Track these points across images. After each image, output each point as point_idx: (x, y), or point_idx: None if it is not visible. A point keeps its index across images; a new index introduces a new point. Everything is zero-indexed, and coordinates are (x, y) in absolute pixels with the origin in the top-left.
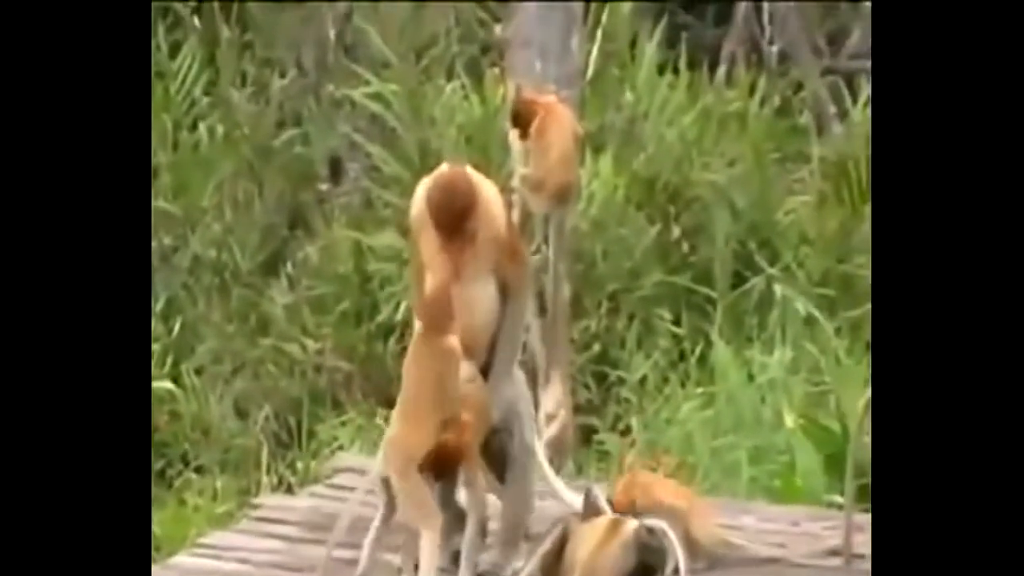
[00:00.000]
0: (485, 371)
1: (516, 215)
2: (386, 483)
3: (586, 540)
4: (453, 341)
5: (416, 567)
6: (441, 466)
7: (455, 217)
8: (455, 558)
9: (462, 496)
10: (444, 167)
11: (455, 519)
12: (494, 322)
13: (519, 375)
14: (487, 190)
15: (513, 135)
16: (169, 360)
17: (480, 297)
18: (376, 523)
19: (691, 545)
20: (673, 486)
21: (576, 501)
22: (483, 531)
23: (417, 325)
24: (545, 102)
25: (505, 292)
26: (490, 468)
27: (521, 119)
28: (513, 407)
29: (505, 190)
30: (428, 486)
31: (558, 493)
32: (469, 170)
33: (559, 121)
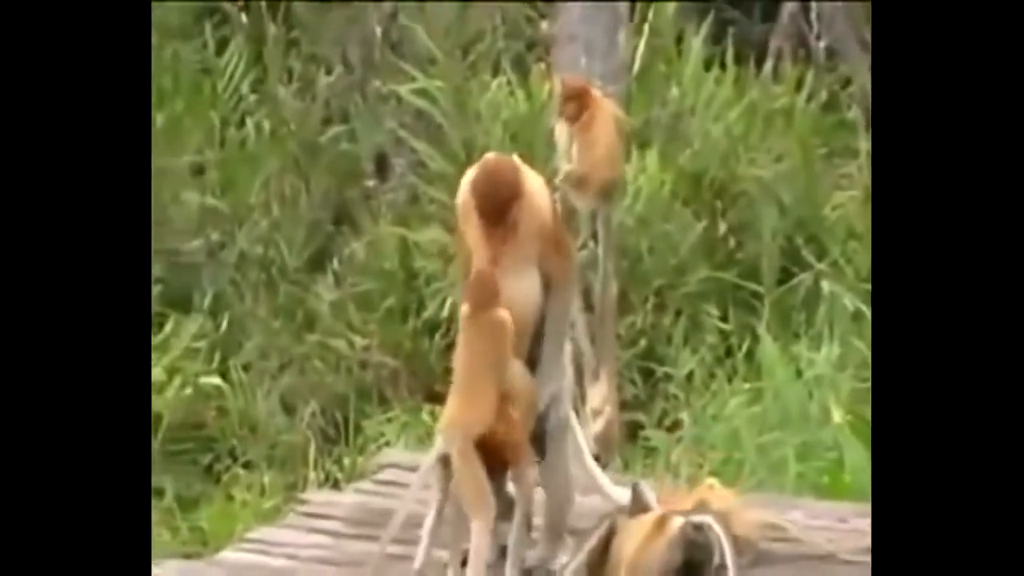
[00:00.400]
0: (531, 364)
1: (560, 210)
2: (444, 463)
3: (632, 536)
4: (502, 314)
5: (464, 562)
6: (488, 457)
7: (499, 204)
8: (502, 552)
9: (511, 488)
10: (489, 156)
11: (503, 512)
12: (538, 315)
13: (565, 366)
14: (532, 181)
15: (559, 129)
16: (217, 356)
17: (524, 289)
18: (431, 513)
19: (735, 542)
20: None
21: (620, 496)
22: (529, 526)
23: (464, 308)
24: (593, 95)
25: (549, 285)
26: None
27: (571, 107)
28: (556, 395)
29: (550, 185)
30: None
31: (602, 488)
32: (515, 159)
33: (605, 116)
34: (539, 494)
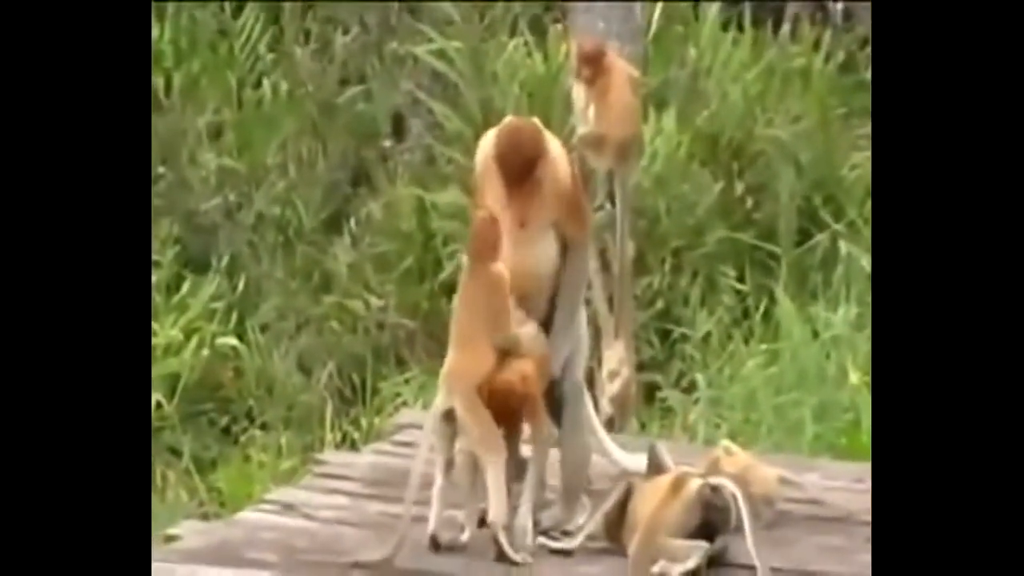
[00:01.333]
0: (546, 325)
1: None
2: (448, 416)
3: (649, 498)
4: (500, 268)
5: (480, 521)
6: (503, 409)
7: (522, 166)
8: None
9: (524, 451)
10: (510, 119)
11: (517, 475)
12: (555, 276)
13: (581, 326)
14: (552, 143)
15: (576, 91)
16: (234, 317)
17: (542, 252)
18: (438, 472)
19: (753, 501)
20: (772, 487)
21: (627, 461)
22: (543, 484)
23: (464, 260)
24: (609, 57)
25: (565, 247)
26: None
27: (587, 70)
28: (571, 359)
29: (567, 146)
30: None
31: (610, 453)
32: (536, 122)
33: (621, 78)
34: (554, 456)
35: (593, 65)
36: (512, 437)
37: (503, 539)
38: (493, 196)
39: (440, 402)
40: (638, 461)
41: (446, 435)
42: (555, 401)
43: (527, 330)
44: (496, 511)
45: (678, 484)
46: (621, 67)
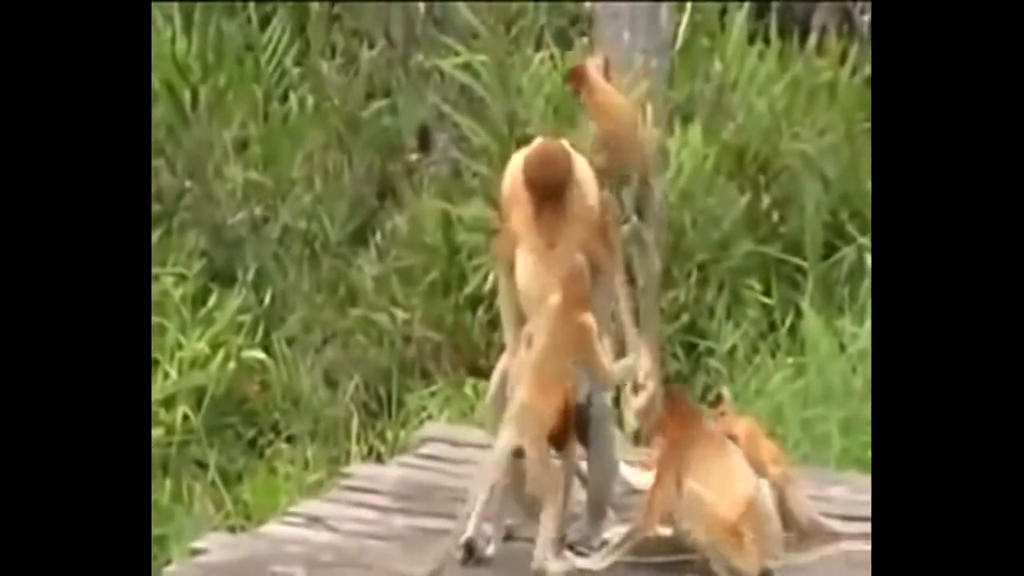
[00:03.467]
0: None
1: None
2: (518, 454)
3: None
4: (589, 318)
5: (507, 535)
6: (558, 438)
7: (552, 187)
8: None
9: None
10: (540, 140)
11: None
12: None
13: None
14: (581, 165)
15: None
16: (260, 330)
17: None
18: (485, 492)
19: (785, 515)
20: (776, 451)
21: (638, 481)
22: (565, 504)
23: (553, 300)
24: (590, 78)
25: (594, 271)
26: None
27: (572, 86)
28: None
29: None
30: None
31: (620, 474)
32: (565, 144)
33: (599, 100)
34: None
35: (574, 84)
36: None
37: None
38: (519, 217)
39: (509, 440)
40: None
41: (515, 466)
42: (580, 423)
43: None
44: (540, 552)
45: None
46: (601, 89)
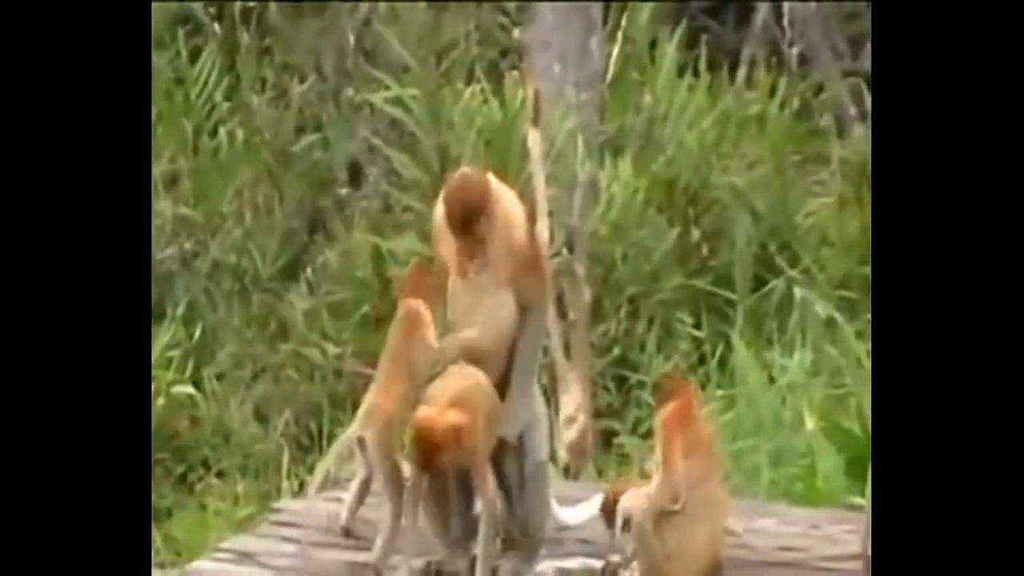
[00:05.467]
0: (502, 386)
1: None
2: (361, 444)
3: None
4: (411, 304)
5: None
6: (421, 449)
7: (465, 216)
8: (472, 565)
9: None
10: (462, 169)
11: (473, 526)
12: (510, 336)
13: (536, 393)
14: (505, 199)
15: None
16: (190, 365)
17: (496, 309)
18: (356, 480)
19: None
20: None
21: (569, 518)
22: (494, 539)
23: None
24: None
25: (523, 307)
26: (501, 485)
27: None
28: (529, 426)
29: (524, 196)
30: (418, 479)
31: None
32: (489, 176)
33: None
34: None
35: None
36: (437, 482)
37: None
38: (447, 248)
39: (352, 430)
40: (580, 514)
41: (363, 455)
42: (509, 469)
43: (474, 380)
44: (377, 554)
45: None
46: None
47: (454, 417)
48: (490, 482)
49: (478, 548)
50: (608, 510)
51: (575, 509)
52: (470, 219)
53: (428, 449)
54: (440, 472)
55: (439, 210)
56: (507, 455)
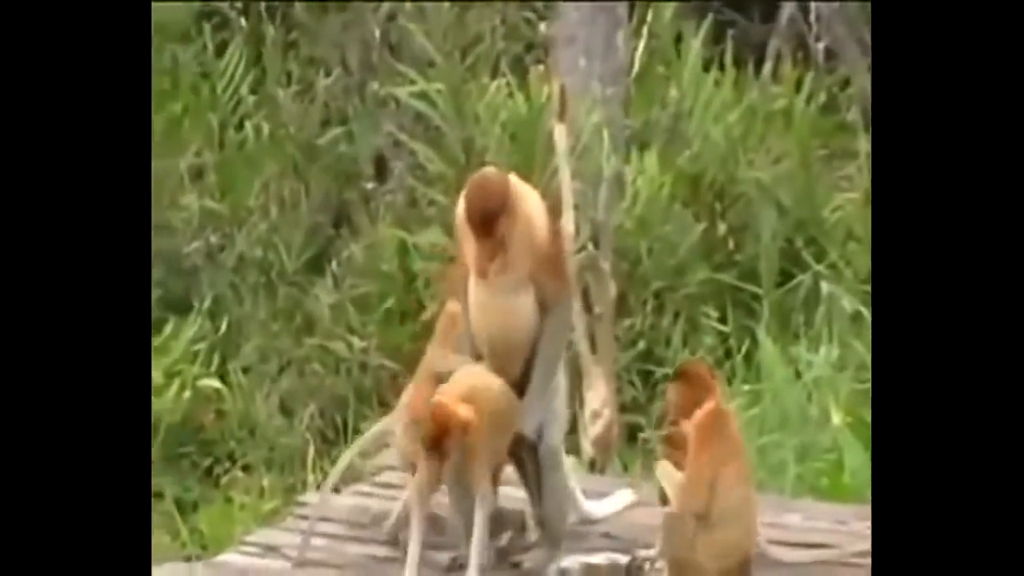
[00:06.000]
0: (522, 383)
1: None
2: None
3: None
4: (455, 307)
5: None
6: (430, 436)
7: (486, 216)
8: (500, 556)
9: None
10: (485, 169)
11: (498, 520)
12: (531, 335)
13: (559, 388)
14: (527, 198)
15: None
16: (216, 358)
17: (515, 309)
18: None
19: None
20: None
21: (592, 510)
22: (485, 542)
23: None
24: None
25: (544, 307)
26: (523, 481)
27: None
28: (546, 420)
29: (550, 191)
30: (427, 467)
31: (578, 505)
32: (511, 177)
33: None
34: None
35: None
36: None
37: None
38: (468, 247)
39: (384, 422)
40: (606, 508)
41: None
42: (525, 460)
43: (491, 386)
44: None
45: None
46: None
47: (464, 410)
48: (488, 486)
49: (472, 548)
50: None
51: (601, 503)
52: (490, 220)
53: (438, 431)
54: (444, 460)
55: (460, 209)
56: (525, 450)
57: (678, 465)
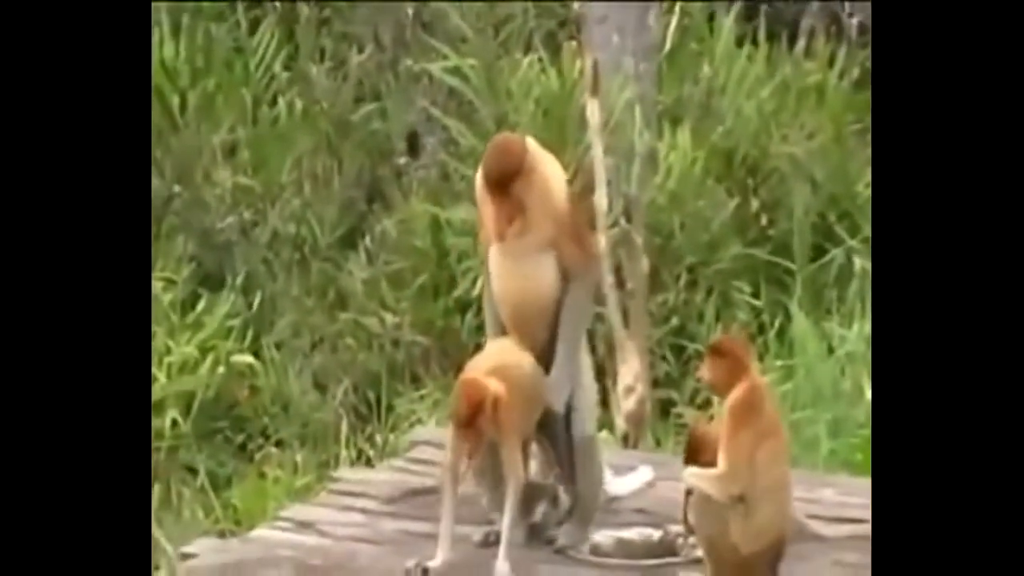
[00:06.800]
0: (547, 355)
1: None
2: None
3: None
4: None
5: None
6: (463, 411)
7: (501, 176)
8: (533, 531)
9: (531, 469)
10: (503, 133)
11: (531, 495)
12: (552, 304)
13: (585, 363)
14: (545, 162)
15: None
16: (249, 334)
17: (536, 276)
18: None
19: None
20: None
21: (616, 489)
22: (518, 513)
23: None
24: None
25: (566, 276)
26: (553, 452)
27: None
28: (576, 399)
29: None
30: (459, 444)
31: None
32: (529, 140)
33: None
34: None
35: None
36: (491, 453)
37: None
38: (487, 212)
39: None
40: (629, 484)
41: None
42: (558, 438)
43: (519, 361)
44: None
45: None
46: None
47: (494, 385)
48: (518, 462)
49: (503, 524)
50: (690, 452)
51: (624, 479)
52: (506, 180)
53: (471, 408)
54: (477, 436)
55: (479, 174)
56: (555, 425)
57: (706, 465)
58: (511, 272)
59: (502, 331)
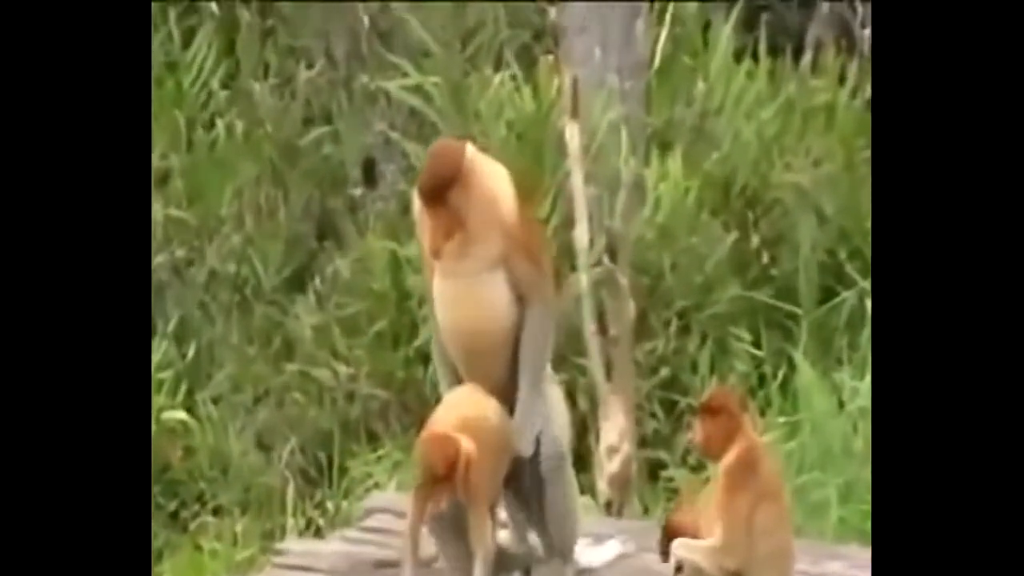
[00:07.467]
0: (507, 393)
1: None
2: None
3: None
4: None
5: None
6: (433, 467)
7: (435, 184)
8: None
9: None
10: (441, 139)
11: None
12: (509, 333)
13: (553, 393)
14: (490, 172)
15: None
16: (183, 388)
17: (486, 300)
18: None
19: None
20: None
21: (589, 559)
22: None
23: None
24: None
25: (522, 300)
26: (521, 501)
27: None
28: (542, 431)
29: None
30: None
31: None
32: (469, 146)
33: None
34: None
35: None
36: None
37: None
38: (425, 226)
39: None
40: (604, 555)
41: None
42: (521, 475)
43: (483, 409)
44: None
45: None
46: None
47: (466, 442)
48: (487, 529)
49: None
50: (664, 548)
51: (597, 549)
52: (440, 189)
53: (445, 466)
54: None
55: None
56: (523, 468)
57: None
58: (458, 299)
59: (455, 377)
